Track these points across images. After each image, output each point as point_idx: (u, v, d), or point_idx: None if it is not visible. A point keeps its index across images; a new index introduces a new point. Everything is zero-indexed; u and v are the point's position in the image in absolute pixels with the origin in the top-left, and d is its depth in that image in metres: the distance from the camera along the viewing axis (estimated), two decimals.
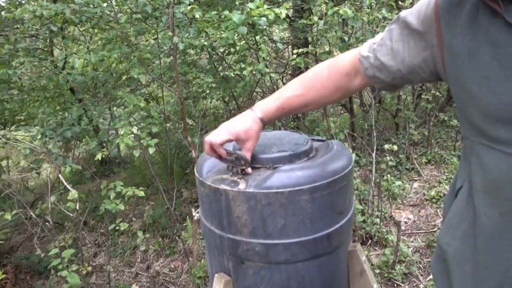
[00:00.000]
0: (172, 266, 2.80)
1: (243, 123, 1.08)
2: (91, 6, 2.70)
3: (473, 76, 0.73)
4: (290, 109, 1.09)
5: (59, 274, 2.03)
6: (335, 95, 1.06)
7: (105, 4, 2.77)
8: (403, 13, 0.90)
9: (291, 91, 1.08)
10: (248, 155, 1.09)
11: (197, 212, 2.20)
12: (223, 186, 1.07)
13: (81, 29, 3.81)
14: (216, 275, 1.21)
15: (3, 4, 3.55)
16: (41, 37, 3.57)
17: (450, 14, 0.77)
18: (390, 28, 0.93)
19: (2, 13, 3.61)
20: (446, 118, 4.13)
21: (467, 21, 0.74)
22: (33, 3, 2.74)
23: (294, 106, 1.08)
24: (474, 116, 0.76)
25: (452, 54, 0.77)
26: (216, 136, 1.07)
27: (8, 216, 2.12)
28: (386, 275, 2.40)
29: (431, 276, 2.40)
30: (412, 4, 3.58)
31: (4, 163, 4.73)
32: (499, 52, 0.69)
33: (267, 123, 1.11)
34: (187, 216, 2.95)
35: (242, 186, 1.06)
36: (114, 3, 2.74)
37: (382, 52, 0.93)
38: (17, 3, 3.54)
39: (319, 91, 1.05)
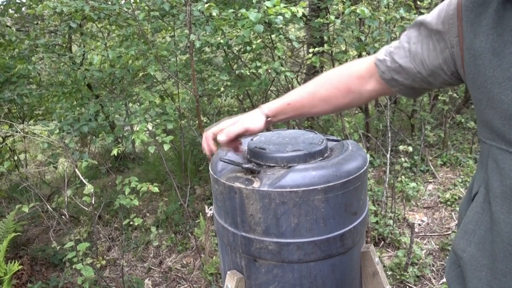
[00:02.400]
0: (184, 262, 2.82)
1: (248, 116, 1.10)
2: (110, 3, 2.73)
3: (495, 76, 0.71)
4: (297, 106, 1.08)
5: (74, 267, 2.06)
6: (346, 97, 1.03)
7: (123, 1, 2.80)
8: (421, 17, 0.90)
9: (302, 88, 1.08)
10: (237, 130, 1.08)
11: (210, 209, 2.22)
12: (237, 184, 1.08)
13: (99, 26, 3.86)
14: (228, 272, 1.22)
15: (24, 0, 3.61)
16: (60, 33, 3.62)
17: (474, 13, 0.76)
18: (407, 32, 0.92)
19: (23, 9, 3.68)
20: (462, 120, 4.08)
21: (493, 21, 0.72)
22: None
23: (302, 103, 1.07)
24: (493, 119, 0.74)
25: (473, 54, 0.76)
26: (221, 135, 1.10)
27: (25, 209, 2.17)
28: (398, 277, 2.39)
29: (444, 279, 2.38)
30: (430, 4, 3.54)
31: (22, 156, 4.83)
32: None
33: (272, 117, 1.10)
34: (200, 213, 2.98)
35: (256, 184, 1.06)
36: (132, 1, 2.77)
37: (399, 55, 0.92)
38: None
39: (329, 90, 1.04)
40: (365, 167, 1.17)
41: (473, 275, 0.79)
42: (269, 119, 1.09)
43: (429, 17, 0.87)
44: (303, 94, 1.07)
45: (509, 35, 0.70)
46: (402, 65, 0.92)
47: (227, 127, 1.09)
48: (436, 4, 3.93)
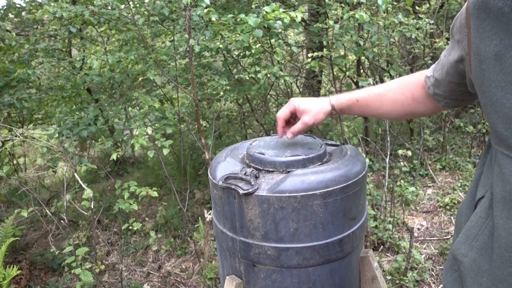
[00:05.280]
0: (183, 266, 2.81)
1: (310, 101, 1.17)
2: (109, 8, 2.74)
3: (498, 80, 0.73)
4: (364, 104, 1.13)
5: (72, 271, 2.06)
6: (411, 104, 1.08)
7: (122, 6, 2.80)
8: None
9: (371, 88, 1.13)
10: (300, 127, 1.18)
11: (209, 214, 2.22)
12: (236, 189, 1.08)
13: (98, 30, 3.87)
14: (227, 277, 1.22)
15: (24, 5, 3.62)
16: (59, 38, 3.63)
17: (479, 19, 0.77)
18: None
19: (23, 13, 3.69)
20: (461, 124, 4.08)
21: (495, 26, 0.73)
22: (53, 4, 2.78)
23: (369, 102, 1.12)
24: (496, 123, 0.75)
25: (479, 59, 0.77)
26: (280, 111, 1.20)
27: (24, 213, 2.16)
28: (397, 281, 2.39)
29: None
30: (429, 9, 3.55)
31: (21, 161, 4.83)
32: None
33: (338, 110, 1.16)
34: (199, 217, 2.97)
35: (255, 189, 1.07)
36: (131, 5, 2.78)
37: (436, 69, 0.98)
38: (37, 4, 3.61)
39: (396, 94, 1.08)
40: (364, 172, 1.17)
41: (474, 280, 0.79)
42: (333, 112, 1.16)
43: (452, 29, 0.90)
44: (371, 94, 1.12)
45: (509, 39, 0.70)
46: (437, 79, 0.97)
47: (303, 120, 1.16)
48: (434, 9, 3.95)
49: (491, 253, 0.76)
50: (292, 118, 1.22)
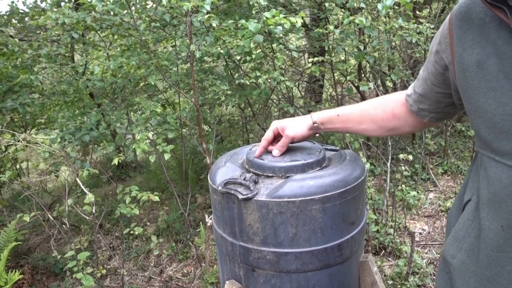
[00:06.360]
0: (185, 271, 2.82)
1: (292, 119, 1.20)
2: (111, 13, 2.75)
3: (480, 87, 0.76)
4: (345, 119, 1.14)
5: (74, 276, 2.06)
6: (391, 121, 1.09)
7: (124, 12, 2.83)
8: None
9: (354, 105, 1.16)
10: (285, 141, 1.20)
11: (210, 218, 2.22)
12: (235, 194, 1.09)
13: (101, 35, 3.89)
14: (227, 282, 1.22)
15: (27, 10, 3.65)
16: (62, 43, 3.66)
17: (461, 30, 0.80)
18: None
19: (26, 19, 3.72)
20: (463, 128, 4.08)
21: (477, 35, 0.77)
22: (55, 10, 2.81)
23: (350, 117, 1.14)
24: (480, 128, 0.78)
25: (462, 68, 0.80)
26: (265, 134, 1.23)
27: (26, 218, 2.17)
28: (399, 286, 2.38)
29: None
30: (429, 14, 3.56)
31: (24, 165, 4.85)
32: (505, 64, 0.71)
33: (320, 124, 1.18)
34: (201, 222, 2.98)
35: (254, 194, 1.07)
36: (133, 11, 2.80)
37: (418, 85, 1.00)
38: (40, 10, 3.64)
39: (376, 110, 1.10)
40: (363, 177, 1.18)
41: (462, 281, 0.82)
42: (315, 125, 1.17)
43: (433, 41, 0.93)
44: (353, 110, 1.14)
45: (490, 47, 0.74)
46: (420, 93, 0.99)
47: (286, 133, 1.19)
48: (435, 14, 3.96)
49: (478, 254, 0.79)
50: (279, 137, 1.23)
